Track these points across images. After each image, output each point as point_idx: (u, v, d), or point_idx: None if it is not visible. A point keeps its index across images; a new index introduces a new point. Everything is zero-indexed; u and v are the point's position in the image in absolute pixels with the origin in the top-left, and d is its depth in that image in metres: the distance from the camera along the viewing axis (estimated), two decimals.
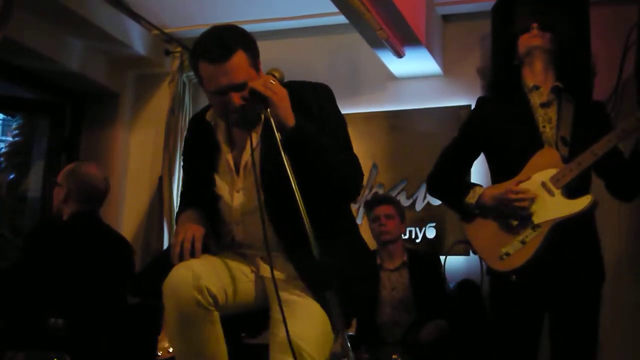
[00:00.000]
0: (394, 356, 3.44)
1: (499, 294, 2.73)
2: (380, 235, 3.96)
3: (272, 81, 2.03)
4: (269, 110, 2.00)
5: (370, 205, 4.10)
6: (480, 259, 2.70)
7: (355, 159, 2.18)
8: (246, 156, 2.20)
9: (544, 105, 2.72)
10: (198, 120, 2.35)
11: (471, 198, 2.69)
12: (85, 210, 3.48)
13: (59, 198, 3.50)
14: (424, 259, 4.01)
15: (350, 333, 3.81)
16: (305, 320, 1.90)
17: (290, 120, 2.02)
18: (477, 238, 2.71)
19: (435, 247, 4.48)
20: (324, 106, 2.19)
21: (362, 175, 2.20)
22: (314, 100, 2.18)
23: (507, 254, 2.59)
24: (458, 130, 2.90)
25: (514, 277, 2.60)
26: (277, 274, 2.16)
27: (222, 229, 2.29)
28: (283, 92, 2.03)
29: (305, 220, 1.88)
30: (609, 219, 3.81)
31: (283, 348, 1.98)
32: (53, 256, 3.26)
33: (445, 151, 2.88)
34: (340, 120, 2.23)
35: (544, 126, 2.70)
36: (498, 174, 2.76)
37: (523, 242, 2.59)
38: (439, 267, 3.93)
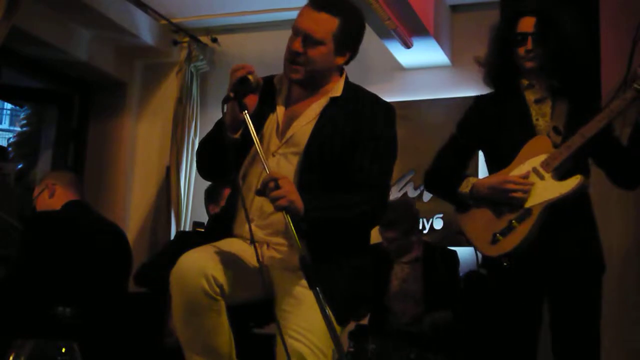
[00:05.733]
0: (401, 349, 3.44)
1: (495, 285, 2.72)
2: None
3: (270, 185, 1.97)
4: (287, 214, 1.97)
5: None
6: (475, 249, 2.70)
7: (376, 197, 2.19)
8: (297, 127, 2.21)
9: (538, 101, 2.72)
10: (265, 81, 2.31)
11: (465, 187, 2.70)
12: (76, 199, 3.53)
13: (45, 199, 3.52)
14: (441, 254, 3.95)
15: (362, 323, 3.83)
16: (311, 311, 1.91)
17: (301, 206, 2.00)
18: (470, 227, 2.71)
19: (442, 238, 4.48)
20: (382, 126, 2.23)
21: (381, 211, 2.25)
22: (377, 116, 2.23)
23: (499, 239, 2.59)
24: (455, 128, 2.90)
25: (505, 262, 2.58)
26: (285, 262, 2.18)
27: (240, 205, 2.22)
28: (288, 189, 1.98)
29: (290, 225, 1.91)
30: (614, 208, 3.79)
31: (292, 334, 2.03)
32: (52, 244, 3.28)
33: (441, 149, 2.89)
34: (391, 147, 2.26)
35: (537, 119, 2.70)
36: (493, 169, 2.77)
37: (514, 227, 2.58)
38: (454, 264, 3.91)
